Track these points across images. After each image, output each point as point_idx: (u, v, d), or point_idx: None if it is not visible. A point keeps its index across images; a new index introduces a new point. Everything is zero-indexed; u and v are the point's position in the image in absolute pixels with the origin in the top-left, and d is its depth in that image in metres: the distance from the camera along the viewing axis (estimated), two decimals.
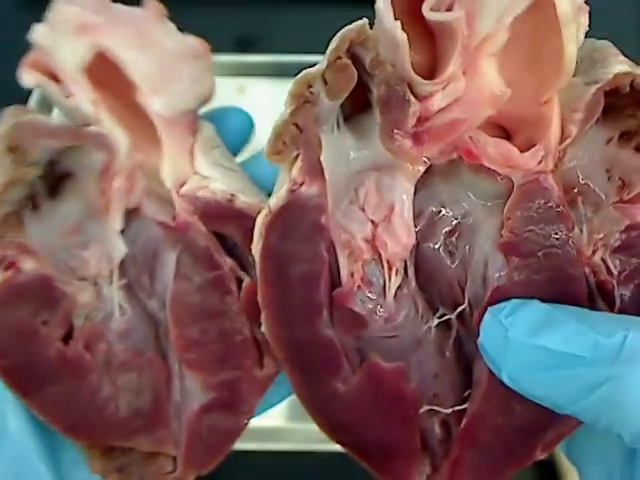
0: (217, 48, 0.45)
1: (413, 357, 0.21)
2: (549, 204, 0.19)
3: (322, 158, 0.19)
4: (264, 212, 0.20)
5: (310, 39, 0.50)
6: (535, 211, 0.19)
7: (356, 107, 0.19)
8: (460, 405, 0.21)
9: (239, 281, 0.23)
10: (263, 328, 0.21)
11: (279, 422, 0.43)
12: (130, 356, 0.23)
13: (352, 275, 0.20)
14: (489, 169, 0.19)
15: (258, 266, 0.20)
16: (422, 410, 0.22)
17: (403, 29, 0.16)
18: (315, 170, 0.19)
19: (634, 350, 0.16)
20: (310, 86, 0.18)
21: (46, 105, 0.45)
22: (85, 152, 0.21)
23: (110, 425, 0.23)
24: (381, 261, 0.20)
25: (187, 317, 0.23)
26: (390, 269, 0.20)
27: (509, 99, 0.17)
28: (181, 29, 0.49)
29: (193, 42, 0.22)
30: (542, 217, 0.19)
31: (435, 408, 0.22)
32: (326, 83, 0.17)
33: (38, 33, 0.20)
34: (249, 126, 0.26)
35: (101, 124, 0.21)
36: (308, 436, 0.41)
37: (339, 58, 0.17)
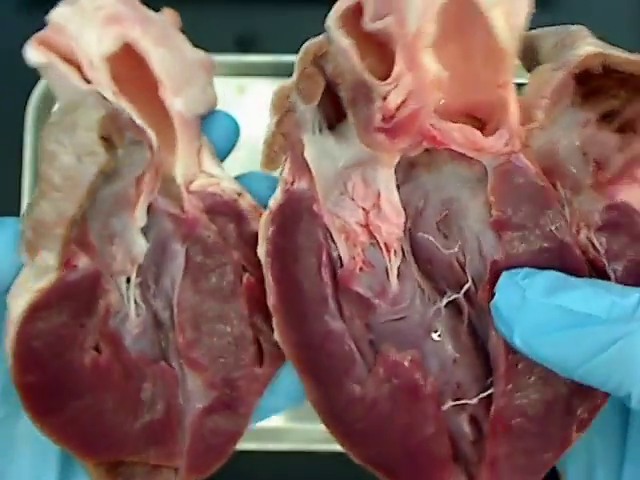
0: (217, 48, 0.46)
1: (427, 343, 0.21)
2: (529, 180, 0.19)
3: (306, 155, 0.21)
4: (265, 214, 0.21)
5: (311, 39, 0.50)
6: (517, 189, 0.19)
7: (338, 119, 0.21)
8: (484, 392, 0.21)
9: (240, 283, 0.23)
10: (275, 335, 0.21)
11: (279, 422, 0.43)
12: (145, 364, 0.23)
13: (353, 258, 0.21)
14: (464, 155, 0.20)
15: (265, 268, 0.21)
16: (447, 406, 0.21)
17: (357, 44, 0.19)
18: (301, 166, 0.21)
19: None
20: (287, 97, 0.20)
21: (47, 105, 0.45)
22: (139, 147, 0.21)
23: (127, 440, 0.22)
24: (379, 245, 0.21)
25: (194, 312, 0.23)
26: (388, 251, 0.21)
27: (471, 87, 0.19)
28: (182, 29, 0.49)
29: (203, 55, 0.23)
30: (526, 193, 0.19)
31: (461, 402, 0.21)
32: (299, 91, 0.20)
33: (59, 13, 0.20)
34: (236, 131, 0.26)
35: (127, 114, 0.21)
36: (308, 436, 0.41)
37: (305, 68, 0.19)
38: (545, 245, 0.19)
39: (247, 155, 0.47)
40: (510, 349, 0.19)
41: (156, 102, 0.22)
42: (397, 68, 0.19)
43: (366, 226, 0.22)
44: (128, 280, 0.22)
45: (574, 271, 0.19)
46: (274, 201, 0.21)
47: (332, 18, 0.19)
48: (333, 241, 0.21)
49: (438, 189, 0.21)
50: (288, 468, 0.42)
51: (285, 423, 0.43)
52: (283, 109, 0.20)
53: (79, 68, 0.21)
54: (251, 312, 0.23)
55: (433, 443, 0.21)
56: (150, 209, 0.22)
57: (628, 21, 0.48)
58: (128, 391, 0.22)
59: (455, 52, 0.19)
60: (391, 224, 0.21)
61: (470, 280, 0.21)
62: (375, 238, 0.22)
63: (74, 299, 0.20)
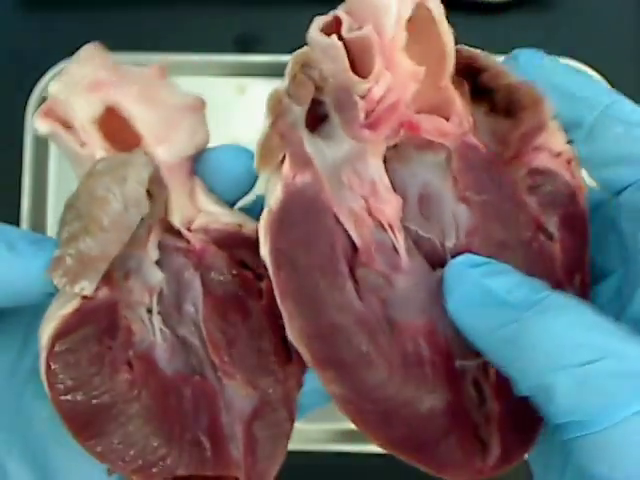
0: (217, 48, 0.46)
1: (436, 310, 0.23)
2: (481, 156, 0.23)
3: (306, 149, 0.22)
4: (264, 213, 0.22)
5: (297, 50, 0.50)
6: (475, 163, 0.23)
7: (313, 125, 0.23)
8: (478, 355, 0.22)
9: (258, 291, 0.24)
10: (287, 332, 0.22)
11: None
12: (182, 381, 0.24)
13: (366, 240, 0.23)
14: (429, 144, 0.23)
15: (270, 267, 0.21)
16: (457, 364, 0.23)
17: None
18: (302, 161, 0.22)
19: (552, 304, 0.19)
20: (281, 100, 0.22)
21: None
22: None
23: (179, 457, 0.23)
24: (382, 226, 0.23)
25: (222, 329, 0.24)
26: (393, 229, 0.23)
27: (418, 93, 0.22)
28: (182, 29, 0.49)
29: (192, 98, 0.24)
30: (481, 166, 0.23)
31: (466, 363, 0.23)
32: (292, 96, 0.22)
33: (52, 86, 0.23)
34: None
35: None
36: (307, 436, 0.42)
37: (296, 76, 0.21)
38: (509, 207, 0.23)
39: None
40: None
41: (139, 145, 0.23)
42: (376, 68, 0.21)
43: (369, 210, 0.23)
44: (149, 311, 0.24)
45: (532, 226, 0.23)
46: (274, 199, 0.22)
47: (314, 29, 0.21)
48: (343, 227, 0.22)
49: (413, 176, 0.24)
50: (288, 467, 0.43)
51: None
52: (277, 111, 0.22)
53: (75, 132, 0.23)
54: (273, 314, 0.23)
55: (455, 409, 0.22)
56: (160, 247, 0.24)
57: (627, 20, 0.48)
58: (169, 407, 0.23)
59: (415, 57, 0.22)
60: (391, 205, 0.23)
61: (449, 257, 0.23)
62: (379, 220, 0.23)
63: (95, 324, 0.22)
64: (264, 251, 0.22)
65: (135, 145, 0.23)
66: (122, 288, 0.23)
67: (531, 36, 0.47)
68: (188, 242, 0.24)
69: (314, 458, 0.41)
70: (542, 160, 0.23)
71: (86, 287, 0.21)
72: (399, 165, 0.24)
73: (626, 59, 0.48)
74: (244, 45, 0.47)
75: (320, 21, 0.22)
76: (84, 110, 0.22)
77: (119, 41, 0.45)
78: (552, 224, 0.23)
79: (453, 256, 0.23)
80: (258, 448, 0.24)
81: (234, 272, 0.24)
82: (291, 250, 0.21)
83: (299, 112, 0.22)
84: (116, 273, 0.23)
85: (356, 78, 0.21)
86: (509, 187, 0.23)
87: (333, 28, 0.21)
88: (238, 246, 0.24)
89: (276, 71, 0.45)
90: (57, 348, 0.21)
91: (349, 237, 0.22)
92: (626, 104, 0.21)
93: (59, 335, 0.21)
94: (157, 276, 0.24)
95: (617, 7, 0.48)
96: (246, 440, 0.24)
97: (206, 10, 0.48)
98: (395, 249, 0.23)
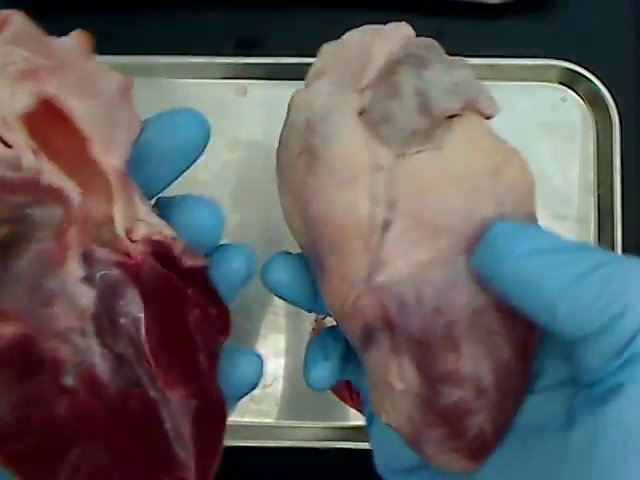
0: (218, 50, 0.46)
1: None
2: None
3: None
4: None
5: (312, 42, 0.50)
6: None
7: None
8: None
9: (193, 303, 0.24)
10: None
11: (276, 420, 0.43)
12: (126, 397, 0.23)
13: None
14: None
15: None
16: None
17: None
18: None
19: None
20: None
21: None
22: (41, 207, 0.20)
23: (141, 476, 0.22)
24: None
25: (161, 341, 0.23)
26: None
27: None
28: (183, 31, 0.49)
29: (119, 79, 0.21)
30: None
31: None
32: None
33: None
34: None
35: (46, 175, 0.19)
36: (307, 433, 0.42)
37: None
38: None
39: (247, 155, 0.48)
40: None
41: (82, 149, 0.20)
42: None
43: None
44: (82, 333, 0.22)
45: None
46: None
47: None
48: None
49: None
50: (288, 464, 0.43)
51: (282, 421, 0.43)
52: None
53: None
54: (203, 325, 0.24)
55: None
56: (87, 260, 0.21)
57: (626, 24, 0.48)
58: (122, 426, 0.22)
59: None
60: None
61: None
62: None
63: (12, 365, 0.20)
64: None
65: (72, 147, 0.20)
66: (42, 317, 0.20)
67: (529, 38, 0.48)
68: (127, 254, 0.22)
69: (314, 455, 0.41)
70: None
71: None
72: None
73: (624, 62, 0.48)
74: (245, 47, 0.48)
75: None
76: (8, 103, 0.18)
77: (121, 44, 0.46)
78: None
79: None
80: (201, 448, 0.24)
81: (171, 284, 0.23)
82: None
83: None
84: (16, 305, 0.20)
85: None
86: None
87: None
88: (171, 259, 0.22)
89: (277, 74, 0.45)
90: None
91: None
92: None
93: None
94: (87, 295, 0.21)
95: (616, 10, 0.49)
96: (194, 442, 0.23)
97: (207, 13, 0.48)
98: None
